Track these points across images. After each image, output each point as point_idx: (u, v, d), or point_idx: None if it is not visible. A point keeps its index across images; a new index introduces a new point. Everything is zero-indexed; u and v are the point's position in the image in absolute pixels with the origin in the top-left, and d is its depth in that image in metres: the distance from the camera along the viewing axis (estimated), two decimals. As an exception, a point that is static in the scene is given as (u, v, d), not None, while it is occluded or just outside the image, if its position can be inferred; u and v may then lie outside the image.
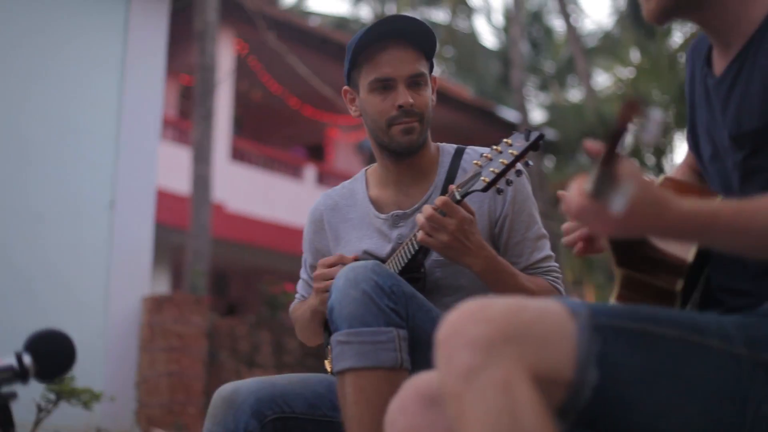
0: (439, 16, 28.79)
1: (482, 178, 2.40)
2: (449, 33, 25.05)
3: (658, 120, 1.39)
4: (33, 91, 6.90)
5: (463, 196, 2.45)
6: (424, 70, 2.67)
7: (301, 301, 2.92)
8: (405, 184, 2.74)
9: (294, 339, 8.20)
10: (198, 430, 7.02)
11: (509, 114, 23.24)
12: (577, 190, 1.52)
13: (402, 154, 2.70)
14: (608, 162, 1.42)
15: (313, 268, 2.86)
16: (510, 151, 2.39)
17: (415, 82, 2.64)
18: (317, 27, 19.94)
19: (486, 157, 2.43)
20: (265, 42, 13.09)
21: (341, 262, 2.62)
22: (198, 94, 11.61)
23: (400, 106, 2.61)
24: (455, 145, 2.80)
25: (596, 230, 1.55)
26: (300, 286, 2.97)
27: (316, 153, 20.81)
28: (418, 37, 2.66)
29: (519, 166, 2.42)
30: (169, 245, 15.70)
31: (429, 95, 2.68)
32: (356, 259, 2.64)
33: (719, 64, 1.89)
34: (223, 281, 19.60)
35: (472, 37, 27.93)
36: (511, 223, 2.66)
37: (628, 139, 1.40)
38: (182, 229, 12.97)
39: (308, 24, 19.53)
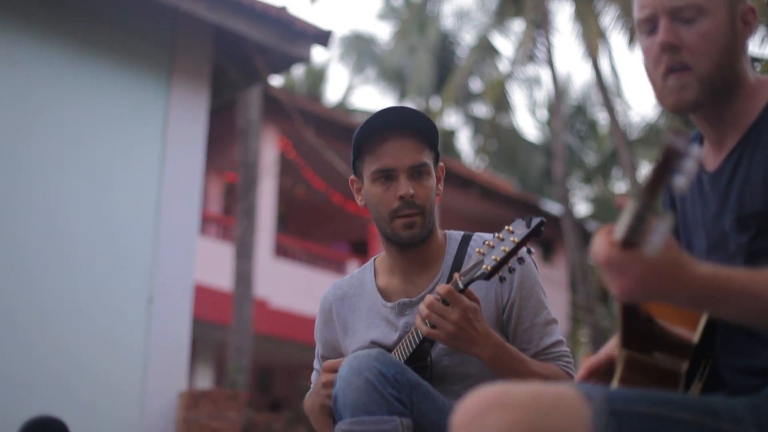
0: (482, 110, 29.05)
1: (485, 266, 2.39)
2: (492, 127, 25.18)
3: (698, 158, 1.36)
4: (71, 185, 7.02)
5: (467, 284, 2.44)
6: (427, 160, 2.66)
7: (312, 393, 2.89)
8: (412, 272, 2.73)
9: (332, 434, 8.13)
10: None
11: (552, 207, 23.24)
12: (605, 240, 1.50)
13: (406, 246, 2.69)
14: (652, 192, 1.39)
15: (324, 358, 2.86)
16: (512, 238, 2.39)
17: (417, 173, 2.64)
18: (359, 124, 20.17)
19: (488, 244, 2.43)
20: (306, 139, 13.27)
21: None
22: (240, 190, 11.77)
23: (401, 197, 2.61)
24: (462, 232, 2.80)
25: (619, 286, 1.51)
26: (313, 377, 2.95)
27: (360, 249, 20.89)
28: (420, 128, 2.66)
29: (521, 253, 2.41)
30: (212, 341, 15.76)
31: (432, 185, 2.67)
32: None
33: (712, 160, 1.97)
34: (266, 377, 19.57)
35: (514, 131, 28.07)
36: (519, 310, 2.64)
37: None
38: (225, 326, 13.02)
39: (351, 120, 19.77)
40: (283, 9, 8.07)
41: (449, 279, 2.63)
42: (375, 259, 2.89)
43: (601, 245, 1.49)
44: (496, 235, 2.44)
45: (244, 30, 7.84)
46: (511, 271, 2.44)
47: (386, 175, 2.64)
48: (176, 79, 7.62)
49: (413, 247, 2.69)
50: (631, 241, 1.43)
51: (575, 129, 31.22)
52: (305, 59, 8.49)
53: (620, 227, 1.44)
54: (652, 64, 1.95)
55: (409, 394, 2.32)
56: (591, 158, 31.44)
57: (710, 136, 1.98)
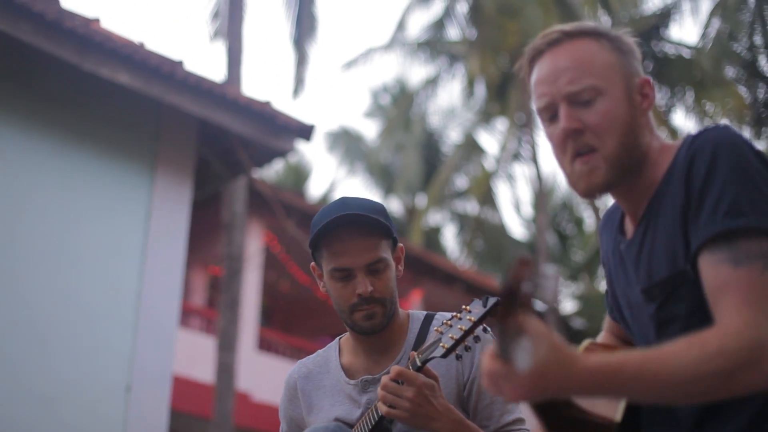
0: (467, 207, 29.25)
1: (442, 344, 2.42)
2: (477, 224, 25.35)
3: (554, 276, 1.44)
4: (53, 273, 7.08)
5: (424, 362, 2.47)
6: (384, 254, 2.67)
7: None
8: (375, 352, 2.77)
9: None
10: None
11: (537, 304, 23.27)
12: (486, 356, 1.57)
13: (367, 334, 2.73)
14: (505, 320, 1.44)
15: None
16: (468, 317, 2.43)
17: (375, 269, 2.65)
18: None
19: (446, 323, 2.46)
20: (290, 233, 13.36)
21: None
22: (224, 282, 11.79)
23: (359, 294, 2.63)
24: (425, 312, 2.84)
25: (509, 394, 1.57)
26: None
27: (344, 343, 20.86)
28: (374, 223, 2.67)
29: (478, 331, 2.47)
30: (193, 435, 15.62)
31: (391, 275, 2.69)
32: None
33: (630, 229, 2.00)
34: (248, 473, 19.33)
35: (500, 228, 28.23)
36: (480, 386, 2.64)
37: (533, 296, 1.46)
38: (206, 419, 12.94)
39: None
40: (266, 103, 8.22)
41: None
42: (340, 338, 2.93)
43: (485, 358, 1.56)
44: (455, 314, 2.48)
45: (228, 123, 7.98)
46: (468, 349, 2.49)
47: (343, 275, 2.66)
48: (160, 171, 7.74)
49: (375, 335, 2.73)
50: (504, 358, 1.50)
51: (561, 226, 31.42)
52: (288, 153, 8.64)
53: (495, 344, 1.52)
54: (558, 151, 1.96)
55: None
56: (577, 256, 31.57)
57: (627, 208, 2.02)
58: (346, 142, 30.42)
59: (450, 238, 30.97)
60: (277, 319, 20.83)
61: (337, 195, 32.75)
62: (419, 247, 23.81)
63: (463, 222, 29.21)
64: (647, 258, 1.90)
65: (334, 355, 2.88)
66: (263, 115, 8.10)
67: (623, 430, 1.86)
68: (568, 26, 2.00)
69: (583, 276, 30.71)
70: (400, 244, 2.80)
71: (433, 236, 29.99)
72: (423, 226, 26.24)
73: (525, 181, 31.65)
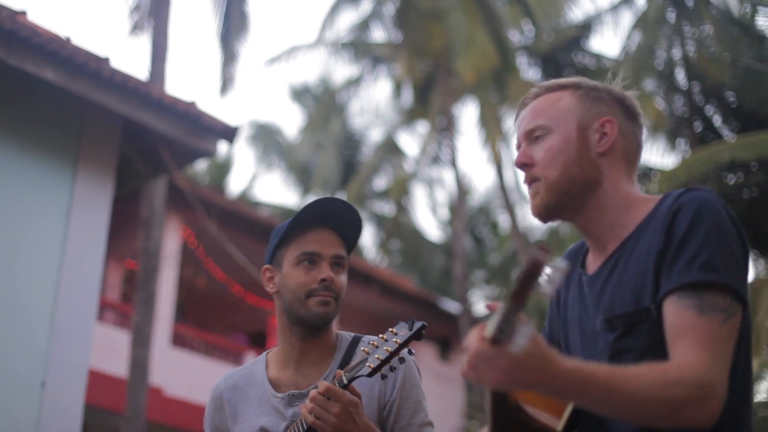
0: (385, 208, 29.41)
1: (368, 364, 2.57)
2: (395, 225, 25.54)
3: (564, 269, 1.57)
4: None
5: (350, 380, 2.60)
6: (346, 255, 2.90)
7: None
8: (304, 364, 2.89)
9: None
10: None
11: (452, 306, 23.52)
12: (476, 337, 1.70)
13: (312, 328, 2.85)
14: (518, 300, 1.57)
15: None
16: (394, 339, 2.58)
17: (338, 263, 2.86)
18: (264, 217, 20.32)
19: (373, 344, 2.61)
20: (208, 231, 13.38)
21: None
22: (140, 278, 11.78)
23: (323, 280, 2.80)
24: (353, 334, 2.97)
25: (488, 376, 1.70)
26: None
27: (258, 340, 20.84)
28: (346, 229, 2.91)
29: (403, 353, 2.60)
30: (104, 428, 15.53)
31: (346, 281, 2.89)
32: None
33: (594, 264, 2.19)
34: (158, 467, 19.24)
35: (416, 230, 28.45)
36: (399, 408, 2.80)
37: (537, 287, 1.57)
38: (118, 413, 12.89)
39: (254, 213, 19.90)
40: (191, 104, 8.25)
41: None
42: (267, 353, 3.04)
43: (473, 340, 1.70)
44: (381, 336, 2.63)
45: (152, 123, 8.00)
46: (392, 369, 2.62)
47: (311, 259, 2.84)
48: (82, 167, 7.73)
49: (317, 332, 2.86)
50: (499, 339, 1.62)
51: (477, 229, 31.76)
52: (211, 154, 8.67)
53: (491, 326, 1.64)
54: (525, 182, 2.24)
55: None
56: (493, 258, 31.92)
57: (591, 243, 2.22)
58: (267, 139, 30.40)
59: (367, 238, 31.12)
60: (192, 315, 20.75)
61: (256, 191, 32.69)
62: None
63: (381, 223, 29.37)
64: (612, 290, 2.08)
65: (260, 368, 2.98)
66: (187, 115, 8.13)
67: None
68: (550, 82, 2.28)
69: (498, 279, 31.08)
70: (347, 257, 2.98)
71: (350, 235, 30.04)
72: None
73: (443, 184, 31.89)
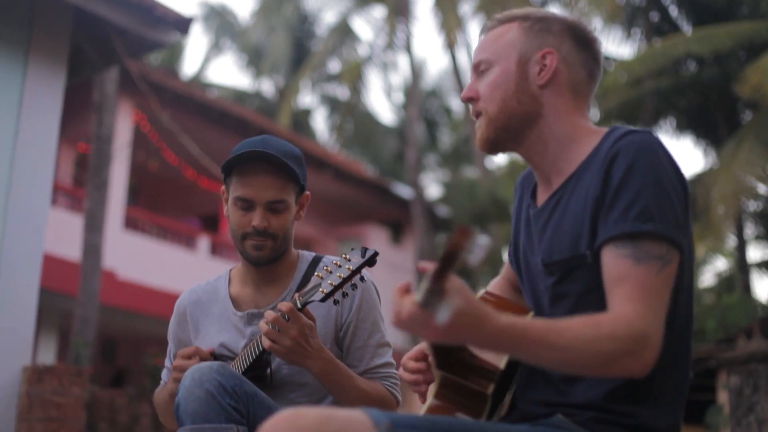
0: (338, 92, 29.30)
1: (321, 289, 2.64)
2: (348, 108, 25.49)
3: (485, 245, 1.64)
4: None
5: (304, 304, 2.68)
6: (287, 197, 2.87)
7: (162, 387, 3.10)
8: (263, 284, 2.96)
9: (174, 411, 8.26)
10: (72, 499, 7.07)
11: (404, 191, 23.70)
12: (407, 300, 1.73)
13: (254, 264, 2.93)
14: (438, 280, 1.63)
15: (176, 357, 3.06)
16: (347, 266, 2.65)
17: (275, 208, 2.84)
18: (216, 100, 20.15)
19: (327, 270, 2.68)
20: (160, 117, 13.31)
21: (198, 354, 2.83)
22: (93, 163, 11.74)
23: (254, 227, 2.83)
24: (314, 254, 3.05)
25: (422, 336, 1.77)
26: (164, 374, 3.17)
27: (211, 224, 20.92)
28: (287, 167, 2.85)
29: (356, 280, 2.68)
30: (57, 310, 15.66)
31: (288, 218, 2.88)
32: (212, 352, 2.88)
33: (542, 197, 2.21)
34: (111, 348, 19.49)
35: (369, 115, 28.42)
36: (355, 329, 2.90)
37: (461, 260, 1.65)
38: (71, 296, 12.99)
39: (207, 97, 19.76)
40: (144, -7, 8.14)
41: None
42: (231, 269, 3.12)
43: (404, 304, 1.74)
44: (335, 261, 2.69)
45: (105, 12, 7.86)
46: (345, 295, 2.69)
47: (244, 205, 2.85)
48: (33, 57, 7.63)
49: (261, 267, 2.93)
50: (426, 307, 1.68)
51: (430, 114, 31.76)
52: (164, 45, 8.59)
53: (420, 291, 1.69)
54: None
55: (246, 405, 2.55)
56: (445, 143, 32.03)
57: (537, 175, 2.22)
58: (219, 21, 29.97)
59: (320, 121, 31.08)
60: (144, 198, 20.75)
61: (209, 74, 32.31)
62: (287, 129, 23.90)
63: (334, 106, 29.29)
64: (551, 233, 2.10)
65: (223, 285, 3.07)
66: (141, 5, 8.01)
67: (503, 377, 2.08)
68: (503, 14, 2.27)
69: (449, 163, 31.24)
70: (307, 193, 3.00)
71: (303, 119, 30.00)
72: (293, 108, 26.25)
73: (397, 69, 31.73)
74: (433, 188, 31.61)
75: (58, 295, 14.49)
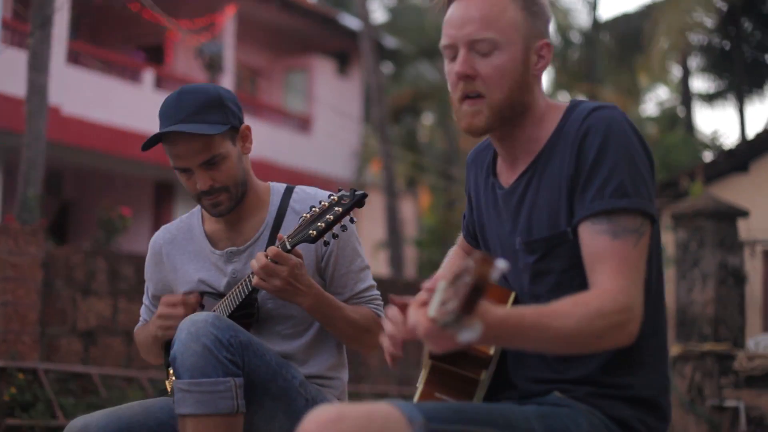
0: None
1: (310, 231, 2.68)
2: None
3: (503, 268, 1.62)
4: None
5: (294, 245, 2.72)
6: (218, 149, 2.82)
7: (144, 325, 3.15)
8: (237, 222, 2.98)
9: (129, 266, 8.33)
10: (32, 359, 7.18)
11: (351, 21, 23.34)
12: (423, 317, 1.75)
13: (219, 217, 2.94)
14: (467, 310, 1.63)
15: (156, 297, 3.13)
16: (337, 207, 2.68)
17: (212, 164, 2.82)
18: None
19: (315, 211, 2.70)
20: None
21: (184, 302, 2.90)
22: (36, 2, 11.38)
23: (200, 190, 2.84)
24: (285, 185, 3.05)
25: (437, 347, 1.79)
26: (143, 311, 3.22)
27: (156, 56, 20.50)
28: (206, 129, 2.79)
29: (345, 221, 2.71)
30: (2, 148, 15.49)
31: (232, 164, 2.84)
32: (199, 302, 2.93)
33: (507, 176, 2.24)
34: (57, 182, 19.37)
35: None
36: (336, 258, 2.94)
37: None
38: (16, 132, 12.80)
39: None
40: None
41: (273, 229, 2.93)
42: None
43: (420, 320, 1.76)
44: (323, 202, 2.71)
45: None
46: (335, 236, 2.74)
47: (183, 172, 2.85)
48: None
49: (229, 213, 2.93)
50: (446, 327, 1.67)
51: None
52: None
53: (436, 309, 1.69)
54: (452, 88, 2.16)
55: (241, 355, 2.61)
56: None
57: (503, 155, 2.24)
58: None
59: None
60: (87, 30, 20.23)
61: None
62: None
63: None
64: (528, 212, 2.15)
65: (197, 222, 3.09)
66: None
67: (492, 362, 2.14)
68: None
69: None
70: (245, 125, 2.95)
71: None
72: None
73: None
74: (378, 13, 31.21)
75: (5, 132, 14.30)
